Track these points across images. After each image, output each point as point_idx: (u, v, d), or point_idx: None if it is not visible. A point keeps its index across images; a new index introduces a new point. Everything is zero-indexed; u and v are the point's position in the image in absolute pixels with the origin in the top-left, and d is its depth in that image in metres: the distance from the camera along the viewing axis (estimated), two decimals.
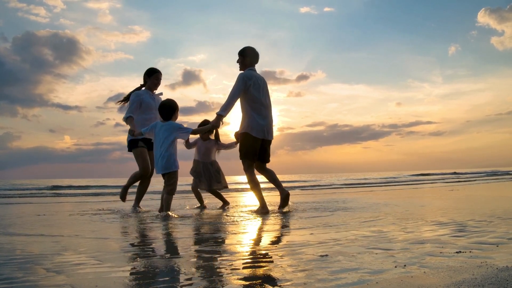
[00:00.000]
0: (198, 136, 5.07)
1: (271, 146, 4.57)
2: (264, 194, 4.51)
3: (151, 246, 2.46)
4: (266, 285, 1.45)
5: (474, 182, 14.06)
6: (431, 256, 1.88)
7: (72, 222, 3.86)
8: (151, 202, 6.24)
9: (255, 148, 4.34)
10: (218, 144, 5.10)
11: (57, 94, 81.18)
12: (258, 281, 1.50)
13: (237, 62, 4.54)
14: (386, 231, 2.73)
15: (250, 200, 6.90)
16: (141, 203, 5.04)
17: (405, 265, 1.69)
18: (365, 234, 2.60)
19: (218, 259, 1.94)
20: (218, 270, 1.71)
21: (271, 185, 4.59)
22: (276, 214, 4.11)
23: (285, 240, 2.57)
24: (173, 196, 4.22)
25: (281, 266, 1.74)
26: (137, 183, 4.92)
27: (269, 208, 4.42)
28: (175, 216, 4.03)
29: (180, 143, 4.61)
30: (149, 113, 4.67)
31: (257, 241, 2.61)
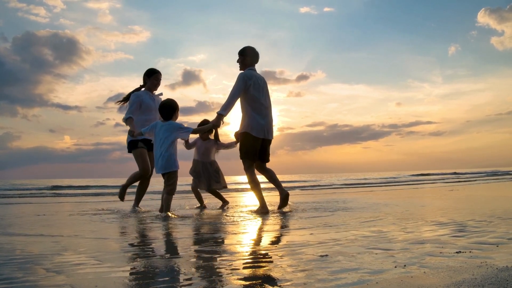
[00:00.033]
0: (197, 135, 5.08)
1: (271, 146, 4.57)
2: (264, 194, 4.51)
3: (151, 246, 2.46)
4: (266, 285, 1.45)
5: (474, 182, 14.06)
6: (431, 256, 1.88)
7: (72, 222, 3.86)
8: (151, 202, 6.24)
9: (255, 148, 4.34)
10: (217, 144, 5.10)
11: (57, 94, 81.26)
12: (258, 281, 1.50)
13: (237, 62, 4.54)
14: (386, 231, 2.73)
15: (250, 200, 6.90)
16: (141, 203, 5.04)
17: (405, 265, 1.69)
18: (365, 234, 2.60)
19: (218, 259, 1.94)
20: (218, 270, 1.71)
21: (271, 185, 4.59)
22: (276, 214, 4.10)
23: (285, 240, 2.57)
24: (173, 196, 4.22)
25: (281, 266, 1.74)
26: (136, 183, 4.92)
27: (269, 208, 4.42)
28: (175, 216, 4.03)
29: (179, 143, 4.61)
30: (149, 114, 4.67)
31: (257, 241, 2.61)
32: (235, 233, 2.90)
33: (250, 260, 1.91)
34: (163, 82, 5.01)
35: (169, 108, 4.14)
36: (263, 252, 2.16)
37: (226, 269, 1.71)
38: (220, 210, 4.81)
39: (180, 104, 4.25)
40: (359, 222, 3.25)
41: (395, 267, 1.67)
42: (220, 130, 4.99)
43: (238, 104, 4.37)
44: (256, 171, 4.46)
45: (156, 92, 4.88)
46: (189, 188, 5.79)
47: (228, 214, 4.27)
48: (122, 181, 4.84)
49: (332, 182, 21.80)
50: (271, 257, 1.97)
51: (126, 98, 4.81)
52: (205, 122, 4.91)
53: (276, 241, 2.55)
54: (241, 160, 4.42)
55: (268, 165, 4.54)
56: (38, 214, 4.84)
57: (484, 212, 3.74)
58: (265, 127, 4.37)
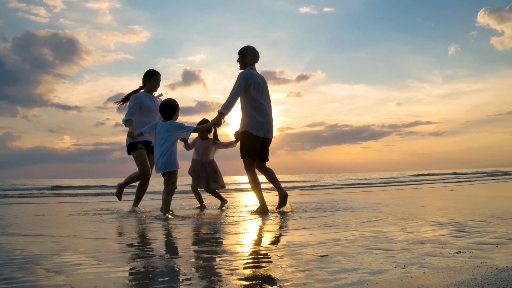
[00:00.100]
0: (196, 135, 5.08)
1: (271, 145, 4.57)
2: (264, 194, 4.51)
3: (150, 246, 2.46)
4: (266, 285, 1.45)
5: (474, 182, 14.06)
6: (430, 256, 1.88)
7: (71, 222, 3.86)
8: (151, 203, 6.24)
9: (256, 147, 4.34)
10: (216, 143, 5.10)
11: (57, 94, 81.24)
12: (257, 282, 1.50)
13: (237, 61, 4.54)
14: (386, 231, 2.73)
15: (250, 200, 6.90)
16: (141, 204, 5.04)
17: (404, 266, 1.69)
18: (365, 235, 2.60)
19: (218, 259, 1.94)
20: (217, 270, 1.71)
21: (272, 185, 4.59)
22: (276, 215, 4.11)
23: (285, 240, 2.57)
24: (173, 196, 4.21)
25: (281, 267, 1.74)
26: (135, 183, 4.92)
27: (269, 208, 4.42)
28: (174, 217, 4.03)
29: (179, 144, 4.60)
30: (149, 116, 4.66)
31: (257, 241, 2.61)
32: (235, 233, 2.90)
33: (250, 260, 1.91)
34: (163, 82, 5.01)
35: (170, 108, 4.14)
36: (263, 252, 2.16)
37: (226, 269, 1.71)
38: (220, 210, 4.81)
39: (180, 104, 4.25)
40: (359, 222, 3.25)
41: (395, 267, 1.67)
42: (219, 130, 4.99)
43: (237, 104, 4.37)
44: (256, 171, 4.46)
45: (156, 93, 4.87)
46: (189, 188, 5.80)
47: (228, 214, 4.27)
48: (122, 181, 4.84)
49: (332, 182, 21.80)
50: (271, 257, 1.97)
51: (125, 99, 4.81)
52: (204, 121, 4.91)
53: (276, 241, 2.55)
54: (241, 160, 4.42)
55: (267, 165, 4.54)
56: (38, 214, 4.84)
57: (484, 212, 3.74)
58: (265, 126, 4.37)
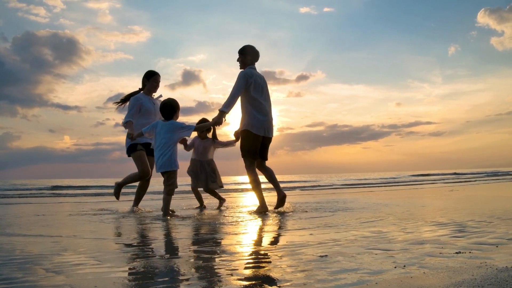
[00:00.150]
0: (195, 135, 5.10)
1: (271, 145, 4.57)
2: (264, 194, 4.51)
3: (150, 246, 2.46)
4: (266, 286, 1.45)
5: (474, 183, 14.06)
6: (430, 256, 1.88)
7: (71, 223, 3.86)
8: (151, 203, 6.24)
9: (256, 146, 4.34)
10: (215, 142, 5.10)
11: (56, 94, 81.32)
12: (257, 282, 1.50)
13: (237, 60, 4.54)
14: (385, 231, 2.73)
15: (249, 200, 6.90)
16: (141, 204, 5.04)
17: (404, 266, 1.69)
18: (364, 235, 2.60)
19: (218, 259, 1.94)
20: (217, 270, 1.71)
21: (271, 186, 4.59)
22: (276, 215, 4.10)
23: (284, 240, 2.57)
24: (173, 196, 4.21)
25: (281, 267, 1.74)
26: (135, 183, 4.92)
27: (268, 208, 4.42)
28: (174, 217, 4.02)
29: (179, 145, 4.60)
30: (149, 117, 4.65)
31: (257, 241, 2.61)
32: (235, 234, 2.90)
33: (250, 261, 1.91)
34: (162, 83, 5.01)
35: (170, 108, 4.14)
36: (262, 252, 2.16)
37: (226, 270, 1.71)
38: (220, 211, 4.81)
39: (180, 104, 4.25)
40: (359, 223, 3.25)
41: (395, 267, 1.67)
42: (219, 130, 5.00)
43: (237, 103, 4.37)
44: (256, 170, 4.46)
45: (156, 94, 4.87)
46: (189, 188, 5.79)
47: (227, 214, 4.27)
48: (120, 180, 4.84)
49: (332, 182, 21.80)
50: (270, 258, 1.97)
51: (124, 100, 4.80)
52: (203, 120, 4.92)
53: (276, 242, 2.55)
54: (241, 160, 4.42)
55: (267, 164, 4.54)
56: (38, 214, 4.84)
57: (484, 213, 3.73)
58: (265, 125, 4.37)
